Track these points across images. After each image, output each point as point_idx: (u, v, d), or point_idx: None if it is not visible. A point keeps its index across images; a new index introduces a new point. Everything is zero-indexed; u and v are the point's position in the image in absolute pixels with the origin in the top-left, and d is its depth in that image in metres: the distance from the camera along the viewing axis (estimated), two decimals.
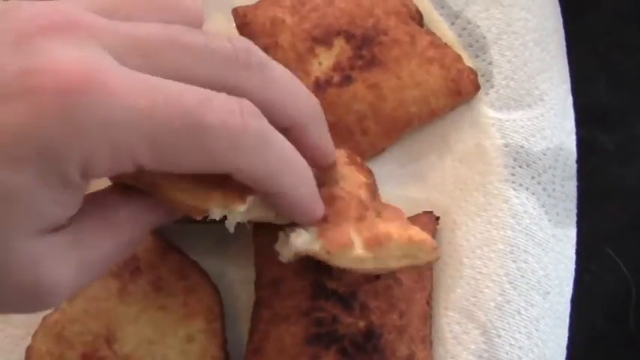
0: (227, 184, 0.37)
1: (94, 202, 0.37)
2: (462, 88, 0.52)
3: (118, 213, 0.37)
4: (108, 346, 0.50)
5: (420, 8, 0.56)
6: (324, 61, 0.53)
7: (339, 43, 0.53)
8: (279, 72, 0.39)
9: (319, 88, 0.53)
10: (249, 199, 0.38)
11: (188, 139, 0.32)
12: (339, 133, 0.52)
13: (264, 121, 0.35)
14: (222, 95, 0.34)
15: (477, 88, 0.53)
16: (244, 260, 0.54)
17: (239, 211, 0.37)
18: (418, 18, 0.54)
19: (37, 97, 0.30)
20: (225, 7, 0.57)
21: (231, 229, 0.40)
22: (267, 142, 0.35)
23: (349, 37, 0.53)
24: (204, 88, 0.34)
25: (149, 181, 0.38)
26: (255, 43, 0.51)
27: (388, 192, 0.53)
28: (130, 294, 0.51)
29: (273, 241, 0.51)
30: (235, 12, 0.55)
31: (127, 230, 0.38)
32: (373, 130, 0.53)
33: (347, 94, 0.53)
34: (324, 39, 0.53)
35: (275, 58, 0.51)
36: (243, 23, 0.55)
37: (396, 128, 0.53)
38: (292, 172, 0.38)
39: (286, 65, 0.51)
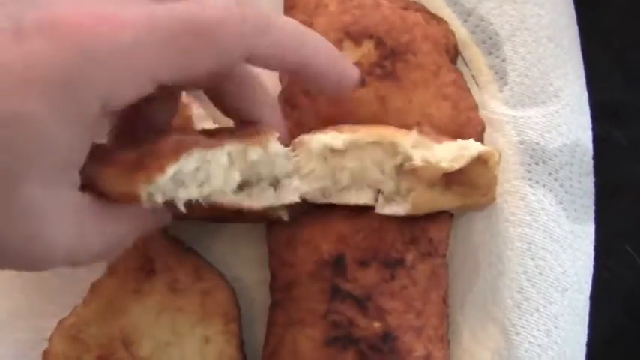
0: (147, 163, 0.38)
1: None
2: (465, 136, 0.51)
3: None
4: (125, 348, 0.49)
5: (433, 5, 0.55)
6: (347, 57, 0.52)
7: (368, 46, 0.52)
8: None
9: None
10: (170, 167, 0.38)
11: (194, 41, 0.35)
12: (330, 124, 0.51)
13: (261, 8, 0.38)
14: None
15: (480, 141, 0.51)
16: (259, 262, 0.54)
17: (161, 182, 0.37)
18: (453, 53, 0.54)
19: (55, 33, 0.32)
20: None
21: (182, 208, 0.40)
22: (269, 23, 0.38)
23: (380, 44, 0.52)
24: None
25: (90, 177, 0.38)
26: (292, 15, 0.54)
27: None
28: (146, 295, 0.51)
29: (286, 243, 0.51)
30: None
31: (145, 220, 0.41)
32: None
33: (354, 95, 0.52)
34: (355, 36, 0.53)
35: None
36: None
37: None
38: (306, 42, 0.40)
39: None
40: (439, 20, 0.54)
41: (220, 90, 0.44)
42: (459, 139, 0.48)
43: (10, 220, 0.34)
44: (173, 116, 0.45)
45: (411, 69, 0.52)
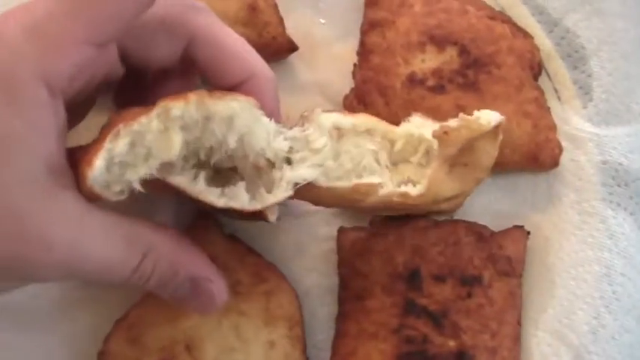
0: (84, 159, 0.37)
1: None
2: (541, 157, 0.50)
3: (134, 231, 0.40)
4: (187, 352, 0.47)
5: (516, 12, 0.53)
6: (427, 61, 0.51)
7: (451, 53, 0.50)
8: None
9: (411, 82, 0.51)
10: (97, 158, 0.37)
11: None
12: None
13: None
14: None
15: (555, 164, 0.51)
16: (324, 268, 0.52)
17: (97, 175, 0.37)
18: (536, 70, 0.52)
19: None
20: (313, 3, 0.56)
21: (138, 187, 0.39)
22: None
23: (463, 51, 0.50)
24: None
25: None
26: (373, 14, 0.52)
27: (474, 202, 0.51)
28: None
29: (359, 252, 0.48)
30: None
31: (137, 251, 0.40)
32: None
33: (432, 102, 0.50)
34: (439, 41, 0.51)
35: (385, 37, 0.52)
36: None
37: None
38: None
39: (391, 47, 0.51)
40: (525, 34, 0.52)
41: (194, 58, 0.43)
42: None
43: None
44: None
45: (493, 81, 0.50)
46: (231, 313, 0.48)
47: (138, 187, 0.39)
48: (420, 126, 0.46)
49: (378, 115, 0.50)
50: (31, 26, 0.35)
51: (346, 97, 0.53)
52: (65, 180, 0.37)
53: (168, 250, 0.41)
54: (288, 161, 0.43)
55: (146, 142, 0.38)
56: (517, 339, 0.48)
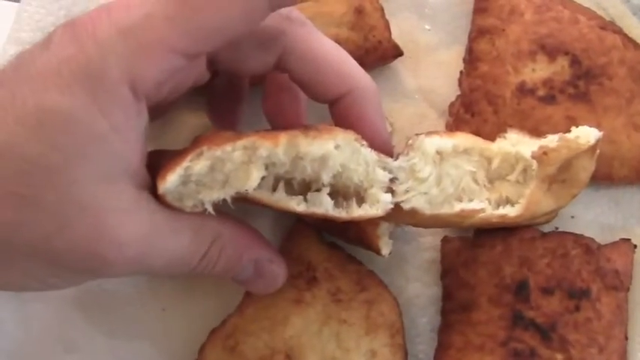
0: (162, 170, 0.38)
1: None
2: None
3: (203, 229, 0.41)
4: None
5: (627, 23, 0.53)
6: (538, 71, 0.50)
7: (562, 63, 0.50)
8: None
9: (521, 91, 0.51)
10: (174, 174, 0.37)
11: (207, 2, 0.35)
12: None
13: None
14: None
15: None
16: (426, 278, 0.52)
17: (169, 187, 0.37)
18: None
19: (74, 34, 0.35)
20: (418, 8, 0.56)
21: (210, 209, 0.39)
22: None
23: (575, 62, 0.50)
24: None
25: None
26: (483, 21, 0.52)
27: (581, 215, 0.52)
28: (309, 306, 0.49)
29: (465, 263, 0.49)
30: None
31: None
32: None
33: (542, 112, 0.50)
34: (550, 50, 0.50)
35: (495, 45, 0.51)
36: None
37: None
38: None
39: (500, 55, 0.50)
40: (636, 45, 0.52)
41: (289, 70, 0.43)
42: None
43: (69, 218, 0.34)
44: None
45: (604, 93, 0.50)
46: (333, 321, 0.48)
47: (210, 208, 0.39)
48: (516, 143, 0.46)
49: (486, 123, 0.50)
50: (127, 27, 0.35)
51: (452, 105, 0.53)
52: (141, 180, 0.38)
53: (232, 235, 0.42)
54: (390, 190, 0.42)
55: (225, 170, 0.38)
56: (624, 354, 0.48)
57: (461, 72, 0.53)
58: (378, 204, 0.42)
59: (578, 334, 0.47)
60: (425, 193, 0.43)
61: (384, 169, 0.42)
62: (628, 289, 0.49)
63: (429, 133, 0.44)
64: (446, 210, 0.44)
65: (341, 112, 0.43)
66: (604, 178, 0.50)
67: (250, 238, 0.44)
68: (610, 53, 0.51)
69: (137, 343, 0.51)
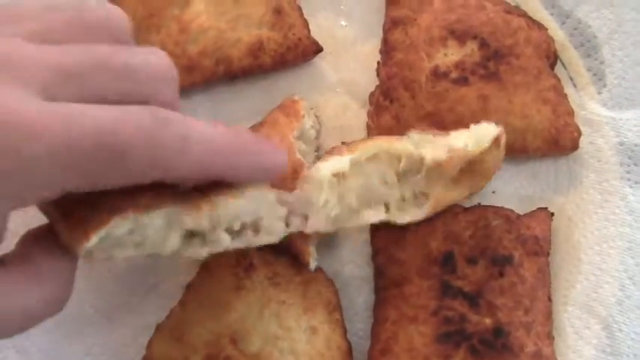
0: (78, 227, 0.37)
1: (21, 250, 0.37)
2: (561, 141, 0.53)
3: (41, 266, 0.37)
4: (233, 345, 0.49)
5: (530, 7, 0.56)
6: (450, 55, 0.53)
7: (472, 46, 0.53)
8: None
9: (435, 75, 0.53)
10: (95, 234, 0.36)
11: (107, 158, 0.33)
12: (433, 123, 0.53)
13: (179, 121, 0.36)
14: (134, 108, 0.35)
15: (575, 147, 0.54)
16: (360, 259, 0.54)
17: (87, 247, 0.36)
18: (552, 59, 0.55)
19: None
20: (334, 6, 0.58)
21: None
22: (187, 138, 0.36)
23: (483, 44, 0.53)
24: (130, 104, 0.35)
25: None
26: (395, 12, 0.55)
27: (501, 190, 0.54)
28: (249, 291, 0.50)
29: (394, 241, 0.51)
30: None
31: (50, 286, 0.37)
32: None
33: (456, 94, 0.53)
34: (460, 35, 0.53)
35: (408, 34, 0.54)
36: None
37: None
38: (227, 152, 0.38)
39: (414, 43, 0.53)
40: (540, 26, 0.55)
41: None
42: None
43: None
44: None
45: (513, 71, 0.53)
46: (272, 303, 0.50)
47: (119, 261, 0.40)
48: (418, 143, 0.48)
49: (404, 108, 0.53)
50: None
51: (372, 95, 0.55)
52: None
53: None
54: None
55: (145, 233, 0.39)
56: (549, 314, 0.51)
57: (378, 62, 0.56)
58: (273, 234, 0.44)
59: (504, 299, 0.49)
60: (326, 215, 0.46)
61: (282, 203, 0.44)
62: (548, 254, 0.52)
63: (329, 154, 0.47)
64: (351, 223, 0.47)
65: None
66: (519, 150, 0.52)
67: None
68: (516, 34, 0.54)
69: (82, 345, 0.53)
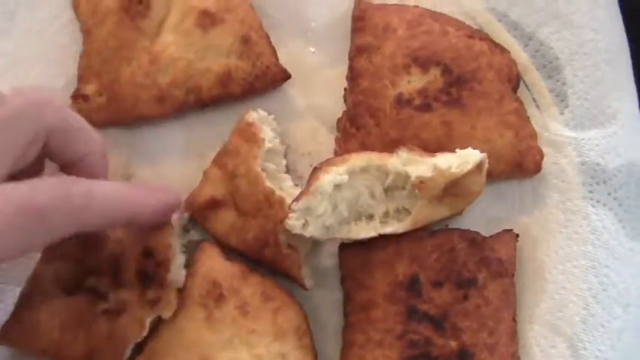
0: None
1: None
2: (525, 164, 0.54)
3: None
4: None
5: (493, 29, 0.57)
6: (413, 82, 0.54)
7: (435, 72, 0.54)
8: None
9: (399, 102, 0.54)
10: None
11: (28, 223, 0.40)
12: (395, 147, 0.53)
13: (84, 181, 0.44)
14: (50, 180, 0.42)
15: (537, 169, 0.55)
16: (330, 283, 0.55)
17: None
18: (515, 83, 0.55)
19: None
20: (302, 33, 0.59)
21: None
22: (92, 197, 0.43)
23: (446, 70, 0.54)
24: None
25: None
26: (360, 40, 0.56)
27: (468, 211, 0.55)
28: (219, 322, 0.52)
29: (361, 266, 0.52)
30: (358, 2, 0.57)
31: None
32: None
33: (420, 120, 0.54)
34: (422, 62, 0.54)
35: (372, 61, 0.55)
36: (360, 17, 0.57)
37: None
38: (128, 200, 0.46)
39: (378, 71, 0.54)
40: (502, 50, 0.56)
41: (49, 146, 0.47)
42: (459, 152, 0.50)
43: None
44: None
45: (475, 97, 0.54)
46: (242, 331, 0.51)
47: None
48: (406, 162, 0.50)
49: (370, 136, 0.54)
50: None
51: (339, 121, 0.56)
52: None
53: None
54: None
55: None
56: (514, 334, 0.52)
57: (345, 89, 0.57)
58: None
59: (469, 321, 0.51)
60: (322, 223, 0.49)
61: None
62: (513, 275, 0.53)
63: (326, 165, 0.50)
64: (340, 234, 0.50)
65: None
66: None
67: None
68: (478, 59, 0.55)
69: None
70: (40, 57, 0.59)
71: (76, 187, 0.42)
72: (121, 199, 0.45)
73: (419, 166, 0.50)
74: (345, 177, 0.49)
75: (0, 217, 0.39)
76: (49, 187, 0.41)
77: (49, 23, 0.60)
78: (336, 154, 0.56)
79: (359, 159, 0.50)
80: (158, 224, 0.50)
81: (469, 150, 0.50)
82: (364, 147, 0.54)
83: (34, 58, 0.59)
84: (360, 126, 0.55)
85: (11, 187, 0.40)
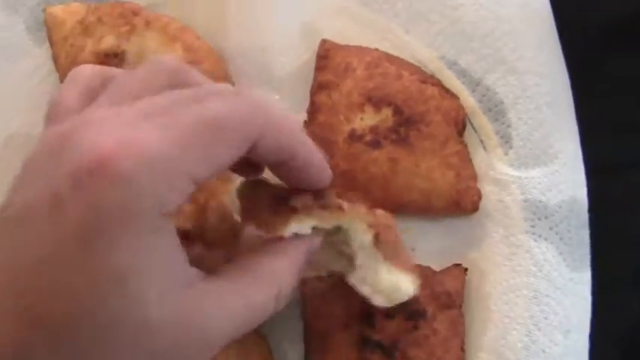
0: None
1: (237, 258, 0.43)
2: (462, 203, 0.58)
3: (261, 268, 0.42)
4: None
5: (444, 76, 0.61)
6: (366, 119, 0.59)
7: (387, 112, 0.58)
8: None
9: (351, 137, 0.59)
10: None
11: (215, 135, 0.37)
12: (347, 181, 0.59)
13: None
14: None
15: (475, 209, 0.59)
16: (294, 315, 0.60)
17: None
18: (460, 126, 0.60)
19: (86, 188, 0.34)
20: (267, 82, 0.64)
21: None
22: (272, 114, 0.40)
23: (397, 111, 0.58)
24: None
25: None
26: (322, 77, 0.61)
27: (421, 247, 0.60)
28: None
29: (320, 297, 0.57)
30: (323, 42, 0.62)
31: (272, 284, 0.42)
32: (376, 195, 0.59)
33: (369, 155, 0.58)
34: (376, 102, 0.59)
35: (331, 97, 0.60)
36: (324, 55, 0.62)
37: (394, 204, 0.58)
38: (299, 137, 0.43)
39: (335, 107, 0.59)
40: (452, 95, 0.60)
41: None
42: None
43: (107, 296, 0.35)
44: None
45: (422, 137, 0.58)
46: None
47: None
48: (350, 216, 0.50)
49: None
50: (147, 162, 0.35)
51: None
52: (192, 276, 0.39)
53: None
54: None
55: None
56: None
57: (304, 121, 0.61)
58: None
59: (418, 350, 0.55)
60: None
61: None
62: (461, 307, 0.57)
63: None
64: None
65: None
66: (425, 210, 0.58)
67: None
68: (428, 103, 0.59)
69: None
70: (21, 107, 0.64)
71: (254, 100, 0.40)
72: (296, 131, 0.43)
73: (370, 272, 0.50)
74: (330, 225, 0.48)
75: (187, 139, 0.37)
76: (227, 100, 0.39)
77: (30, 75, 0.64)
78: None
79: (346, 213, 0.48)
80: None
81: (407, 286, 0.51)
82: None
83: (15, 107, 0.64)
84: None
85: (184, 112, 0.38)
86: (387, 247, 0.49)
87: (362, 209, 0.48)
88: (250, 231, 0.47)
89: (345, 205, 0.46)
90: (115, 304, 0.35)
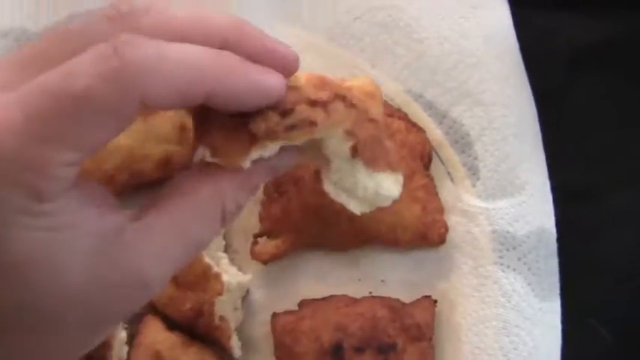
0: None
1: (174, 187, 0.38)
2: (429, 235, 0.59)
3: (201, 192, 0.38)
4: None
5: (411, 109, 0.62)
6: None
7: None
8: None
9: (317, 173, 0.57)
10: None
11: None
12: (315, 214, 0.59)
13: (148, 44, 0.34)
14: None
15: (442, 241, 0.59)
16: (265, 348, 0.60)
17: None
18: (426, 160, 0.60)
19: None
20: None
21: None
22: (162, 59, 0.33)
23: None
24: None
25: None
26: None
27: (390, 278, 0.60)
28: None
29: (291, 334, 0.57)
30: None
31: (213, 208, 0.38)
32: (343, 228, 0.59)
33: None
34: None
35: None
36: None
37: (362, 237, 0.60)
38: (206, 71, 0.35)
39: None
40: (418, 129, 0.61)
41: None
42: None
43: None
44: None
45: None
46: None
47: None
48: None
49: (290, 202, 0.59)
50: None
51: (266, 187, 0.61)
52: (119, 222, 0.36)
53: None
54: None
55: None
56: None
57: None
58: None
59: None
60: None
61: None
62: (430, 339, 0.58)
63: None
64: None
65: None
66: (392, 242, 0.59)
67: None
68: (394, 137, 0.60)
69: None
70: None
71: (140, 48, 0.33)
72: (207, 68, 0.35)
73: None
74: None
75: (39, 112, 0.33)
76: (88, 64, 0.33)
77: None
78: (260, 216, 0.60)
79: None
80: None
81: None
82: (286, 212, 0.59)
83: None
84: (282, 192, 0.60)
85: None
86: (366, 153, 0.42)
87: (339, 109, 0.40)
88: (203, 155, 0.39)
89: (320, 115, 0.38)
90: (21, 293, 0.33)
